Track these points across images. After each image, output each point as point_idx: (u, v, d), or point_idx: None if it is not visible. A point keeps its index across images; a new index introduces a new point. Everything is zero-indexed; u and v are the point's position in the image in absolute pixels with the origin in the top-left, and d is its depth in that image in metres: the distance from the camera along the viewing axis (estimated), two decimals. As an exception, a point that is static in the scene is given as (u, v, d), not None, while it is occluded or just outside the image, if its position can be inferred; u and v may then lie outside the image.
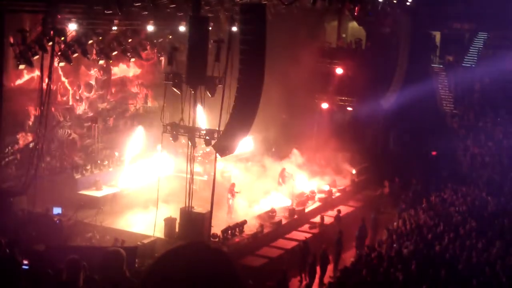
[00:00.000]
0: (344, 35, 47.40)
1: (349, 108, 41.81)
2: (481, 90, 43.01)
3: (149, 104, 39.55)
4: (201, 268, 2.64)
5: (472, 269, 23.04)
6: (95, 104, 36.05)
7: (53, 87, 30.84)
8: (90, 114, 35.53)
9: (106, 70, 36.30)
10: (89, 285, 8.96)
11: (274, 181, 34.69)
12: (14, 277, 13.20)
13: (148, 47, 35.87)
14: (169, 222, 28.07)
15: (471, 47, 46.51)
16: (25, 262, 16.51)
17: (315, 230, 31.36)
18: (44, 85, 28.03)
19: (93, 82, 35.74)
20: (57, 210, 28.09)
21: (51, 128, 31.96)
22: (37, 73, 29.49)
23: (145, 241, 26.01)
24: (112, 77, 37.19)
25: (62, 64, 30.63)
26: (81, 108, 35.12)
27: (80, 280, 9.12)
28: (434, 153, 40.60)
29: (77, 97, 34.77)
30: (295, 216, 32.31)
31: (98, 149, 35.36)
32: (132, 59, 35.75)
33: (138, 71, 38.72)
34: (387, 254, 25.61)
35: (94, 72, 35.63)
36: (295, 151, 37.08)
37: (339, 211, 33.11)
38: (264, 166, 35.95)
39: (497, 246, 25.36)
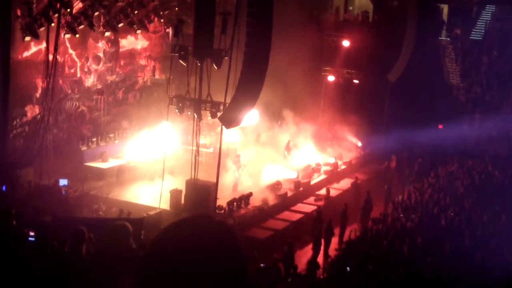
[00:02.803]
0: (351, 8, 47.18)
1: (356, 81, 41.66)
2: (488, 63, 42.80)
3: (157, 76, 39.48)
4: (204, 241, 2.68)
5: (477, 242, 23.07)
6: (104, 77, 35.98)
7: (60, 59, 30.81)
8: (99, 86, 35.48)
9: (114, 43, 36.17)
10: (94, 256, 9.02)
11: (279, 153, 34.77)
12: (20, 249, 13.27)
13: (155, 19, 35.74)
14: (175, 194, 28.18)
15: (479, 20, 46.24)
16: (31, 233, 16.58)
17: (321, 203, 31.43)
18: (51, 57, 28.01)
19: (101, 54, 35.63)
20: (63, 182, 28.21)
21: (58, 101, 31.98)
22: (44, 45, 29.37)
23: (151, 212, 26.13)
24: (121, 50, 37.08)
25: (68, 36, 30.54)
26: (89, 81, 35.07)
27: (82, 251, 9.19)
28: (440, 126, 40.52)
29: (85, 70, 34.72)
30: (301, 189, 32.40)
31: (106, 121, 35.36)
32: (138, 31, 35.62)
33: (146, 43, 38.62)
34: (392, 227, 25.67)
35: (102, 44, 35.51)
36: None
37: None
38: (270, 138, 35.95)
39: (502, 219, 25.39)
